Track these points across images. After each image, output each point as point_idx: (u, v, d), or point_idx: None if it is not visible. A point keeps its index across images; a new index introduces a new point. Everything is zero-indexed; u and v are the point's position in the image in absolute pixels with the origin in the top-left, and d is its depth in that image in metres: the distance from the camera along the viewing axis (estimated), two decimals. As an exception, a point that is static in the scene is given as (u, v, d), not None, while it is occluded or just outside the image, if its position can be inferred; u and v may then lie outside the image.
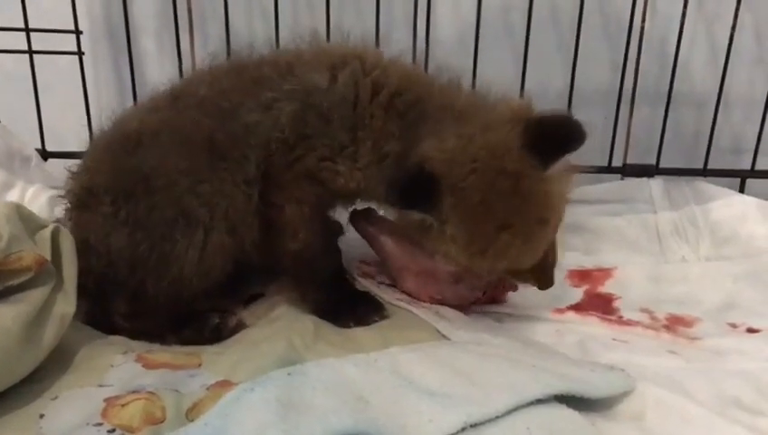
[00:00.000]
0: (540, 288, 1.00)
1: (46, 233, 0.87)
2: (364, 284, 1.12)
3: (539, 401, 0.75)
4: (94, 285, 0.95)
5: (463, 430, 0.70)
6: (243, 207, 0.97)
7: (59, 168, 1.44)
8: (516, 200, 0.88)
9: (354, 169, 0.97)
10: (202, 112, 0.98)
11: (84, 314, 0.96)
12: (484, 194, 0.88)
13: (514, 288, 1.07)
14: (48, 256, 0.85)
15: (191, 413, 0.74)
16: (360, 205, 1.10)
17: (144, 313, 0.97)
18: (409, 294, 1.08)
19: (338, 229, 1.18)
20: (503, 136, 0.89)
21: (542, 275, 0.98)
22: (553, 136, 0.89)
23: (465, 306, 1.05)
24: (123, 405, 0.75)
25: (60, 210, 1.24)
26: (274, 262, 1.03)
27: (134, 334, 0.96)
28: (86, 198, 0.96)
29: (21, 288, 0.80)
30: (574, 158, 0.90)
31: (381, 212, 1.10)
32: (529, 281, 0.99)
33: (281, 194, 0.98)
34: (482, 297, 1.06)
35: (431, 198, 0.88)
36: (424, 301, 1.06)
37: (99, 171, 0.97)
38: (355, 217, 1.10)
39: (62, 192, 1.03)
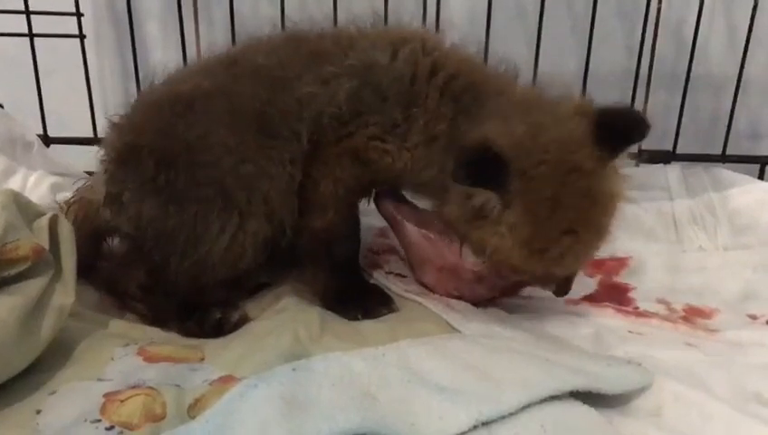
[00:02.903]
0: (557, 295, 0.97)
1: (44, 221, 0.85)
2: (373, 273, 1.10)
3: (553, 398, 0.73)
4: (120, 244, 0.95)
5: (475, 428, 0.68)
6: (285, 188, 0.96)
7: (61, 154, 1.44)
8: (586, 202, 0.85)
9: (403, 149, 0.95)
10: (256, 81, 0.97)
11: (103, 278, 0.98)
12: (555, 189, 0.84)
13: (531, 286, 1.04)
14: (46, 245, 0.82)
15: (193, 410, 0.72)
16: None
17: (160, 289, 0.96)
18: (425, 286, 1.06)
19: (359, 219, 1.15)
20: (575, 130, 0.86)
21: (567, 283, 0.96)
22: (618, 127, 0.87)
23: (478, 303, 1.03)
24: (123, 401, 0.73)
25: (63, 196, 1.23)
26: (295, 238, 1.01)
27: (142, 309, 0.96)
28: (127, 155, 0.95)
29: (18, 278, 0.78)
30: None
31: (417, 203, 1.07)
32: (549, 287, 0.97)
33: (321, 169, 0.97)
34: (498, 295, 1.04)
35: (499, 175, 0.84)
36: (440, 295, 1.03)
37: (144, 130, 0.95)
38: (381, 200, 1.07)
39: (105, 138, 1.00)
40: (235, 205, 0.93)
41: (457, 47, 1.02)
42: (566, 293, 0.97)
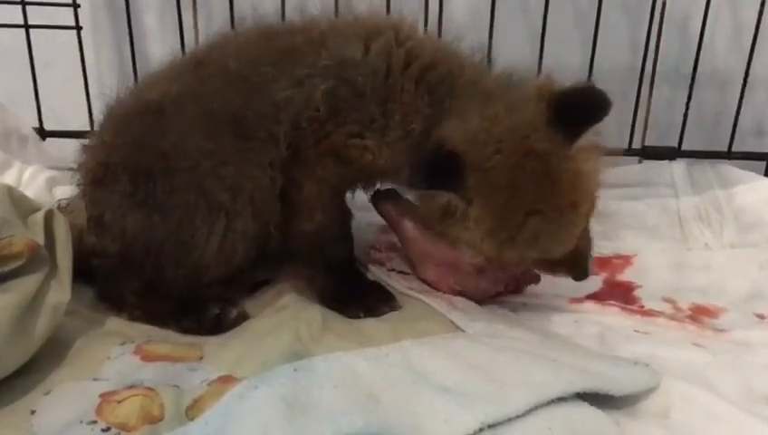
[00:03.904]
0: (575, 279, 0.95)
1: (39, 217, 0.84)
2: (374, 271, 1.09)
3: (560, 399, 0.71)
4: (108, 266, 0.93)
5: (480, 430, 0.67)
6: (267, 190, 0.95)
7: (57, 147, 1.42)
8: (545, 182, 0.85)
9: (382, 145, 0.94)
10: (227, 84, 0.95)
11: (96, 287, 0.96)
12: (510, 175, 0.85)
13: (537, 281, 1.03)
14: (41, 241, 0.81)
15: (191, 411, 0.71)
16: (382, 187, 1.07)
17: (157, 295, 0.94)
18: (427, 283, 1.04)
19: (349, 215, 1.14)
20: (528, 115, 0.86)
21: (576, 266, 0.93)
22: (577, 107, 0.86)
23: (483, 299, 1.01)
24: (119, 401, 0.72)
25: (59, 191, 1.21)
26: (286, 243, 1.00)
27: (138, 313, 0.94)
28: (102, 175, 0.93)
29: (12, 276, 0.76)
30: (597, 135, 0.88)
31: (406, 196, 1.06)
32: (561, 272, 0.95)
33: (303, 171, 0.96)
34: (503, 291, 1.02)
35: (454, 176, 0.85)
36: (443, 291, 1.02)
37: (116, 146, 0.94)
38: (378, 199, 1.06)
39: (75, 165, 0.99)
40: (221, 206, 0.92)
41: (431, 35, 1.01)
42: (583, 275, 0.95)
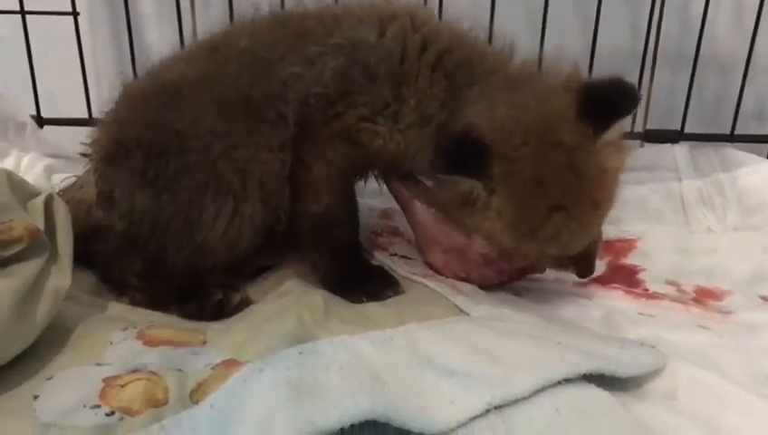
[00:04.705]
0: (579, 276, 0.96)
1: (39, 201, 0.83)
2: (376, 256, 1.08)
3: (566, 381, 0.71)
4: (112, 246, 0.93)
5: (487, 411, 0.66)
6: (277, 174, 0.95)
7: (55, 135, 1.41)
8: (571, 177, 0.84)
9: (395, 131, 0.93)
10: (241, 67, 0.95)
11: (98, 269, 0.96)
12: (537, 168, 0.83)
13: (542, 271, 1.02)
14: (41, 226, 0.80)
15: (195, 394, 0.70)
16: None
17: (158, 277, 0.94)
18: (432, 267, 1.04)
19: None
20: (557, 106, 0.85)
21: (584, 263, 0.93)
22: (606, 100, 0.85)
23: (486, 287, 1.00)
24: (122, 386, 0.71)
25: (57, 178, 1.21)
26: (293, 226, 0.99)
27: (140, 297, 0.94)
28: (115, 151, 0.93)
29: (12, 261, 0.75)
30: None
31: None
32: (567, 268, 0.94)
33: (312, 151, 0.95)
34: (506, 280, 1.02)
35: (479, 162, 0.84)
36: (447, 277, 1.01)
37: (131, 123, 0.94)
38: (391, 178, 1.05)
39: (88, 140, 0.99)
40: (230, 189, 0.92)
41: (449, 22, 1.00)
42: (589, 273, 0.95)
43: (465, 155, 0.84)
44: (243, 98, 0.93)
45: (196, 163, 0.90)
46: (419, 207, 1.02)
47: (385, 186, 1.07)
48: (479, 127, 0.85)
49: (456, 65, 0.93)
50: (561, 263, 0.93)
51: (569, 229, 0.85)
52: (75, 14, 1.36)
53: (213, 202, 0.91)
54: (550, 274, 1.03)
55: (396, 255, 1.08)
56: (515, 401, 0.67)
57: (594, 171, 0.85)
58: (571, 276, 0.98)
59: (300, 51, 0.94)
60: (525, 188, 0.84)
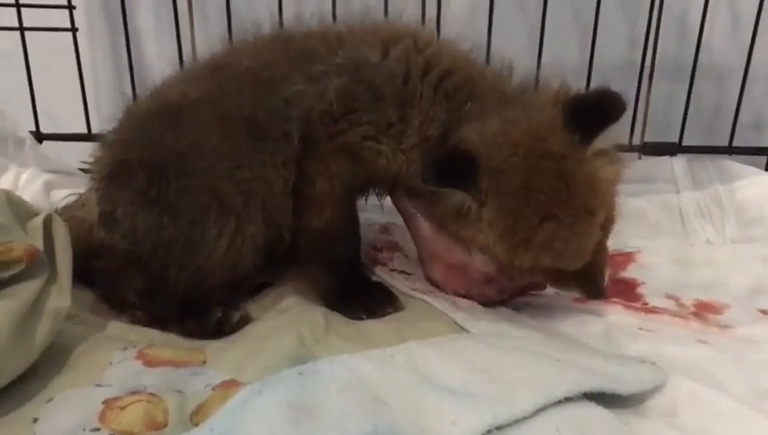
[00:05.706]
0: (588, 297, 0.95)
1: (38, 221, 0.83)
2: (376, 271, 1.08)
3: (567, 399, 0.70)
4: (113, 265, 0.94)
5: (488, 432, 0.66)
6: (280, 191, 0.95)
7: (54, 150, 1.41)
8: (561, 185, 0.84)
9: (398, 151, 0.94)
10: (243, 85, 0.95)
11: (98, 288, 0.96)
12: (526, 178, 0.84)
13: (543, 288, 1.02)
14: (40, 246, 0.80)
15: (195, 417, 0.70)
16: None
17: (159, 296, 0.94)
18: (433, 283, 1.04)
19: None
20: (545, 118, 0.87)
21: (590, 282, 0.92)
22: (591, 109, 0.86)
23: (486, 305, 1.00)
24: (123, 408, 0.71)
25: (56, 194, 1.21)
26: (294, 241, 0.99)
27: (140, 315, 0.94)
28: (118, 171, 0.93)
29: (11, 281, 0.75)
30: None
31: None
32: (573, 288, 0.94)
33: (316, 166, 0.96)
34: (506, 298, 1.02)
35: (467, 175, 0.85)
36: (447, 293, 1.01)
37: (133, 144, 0.94)
38: (396, 194, 1.05)
39: (90, 159, 1.00)
40: (232, 210, 0.92)
41: (450, 43, 1.01)
42: (598, 294, 0.93)
43: (454, 167, 0.86)
44: (245, 117, 0.93)
45: (198, 184, 0.91)
46: (423, 222, 1.02)
47: (385, 201, 1.07)
48: (469, 141, 0.87)
49: (457, 87, 0.94)
50: (564, 281, 0.93)
51: (561, 237, 0.85)
52: (74, 29, 1.37)
53: (215, 223, 0.91)
54: (549, 289, 1.03)
55: (395, 270, 1.09)
56: (516, 421, 0.67)
57: (584, 179, 0.85)
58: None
59: (303, 69, 0.95)
60: (515, 198, 0.85)
